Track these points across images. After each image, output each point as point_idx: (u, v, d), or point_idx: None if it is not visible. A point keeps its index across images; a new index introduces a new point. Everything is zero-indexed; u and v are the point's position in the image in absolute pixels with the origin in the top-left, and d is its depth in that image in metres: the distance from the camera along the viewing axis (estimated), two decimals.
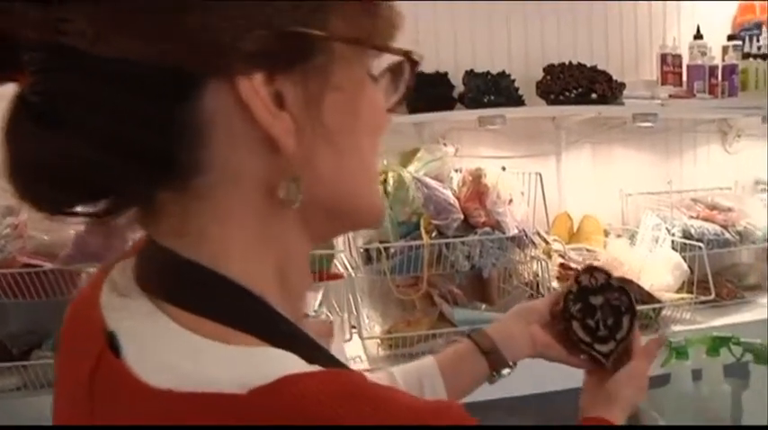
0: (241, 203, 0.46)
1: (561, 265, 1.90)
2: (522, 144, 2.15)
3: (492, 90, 1.94)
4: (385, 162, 1.80)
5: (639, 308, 1.62)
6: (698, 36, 2.21)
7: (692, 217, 2.10)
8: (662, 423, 1.42)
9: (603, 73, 2.00)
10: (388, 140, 1.86)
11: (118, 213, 0.46)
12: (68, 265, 1.49)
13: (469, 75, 1.98)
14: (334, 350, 0.55)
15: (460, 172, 1.85)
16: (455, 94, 2.00)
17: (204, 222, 0.45)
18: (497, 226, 1.73)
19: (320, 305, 1.72)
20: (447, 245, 1.69)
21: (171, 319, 0.43)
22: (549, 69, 2.03)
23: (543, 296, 1.57)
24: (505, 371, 0.92)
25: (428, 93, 1.94)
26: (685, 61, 2.19)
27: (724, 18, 2.33)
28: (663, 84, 2.16)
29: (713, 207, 2.15)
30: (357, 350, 1.70)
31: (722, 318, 1.89)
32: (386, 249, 1.67)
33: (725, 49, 2.23)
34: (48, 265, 1.50)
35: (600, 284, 0.97)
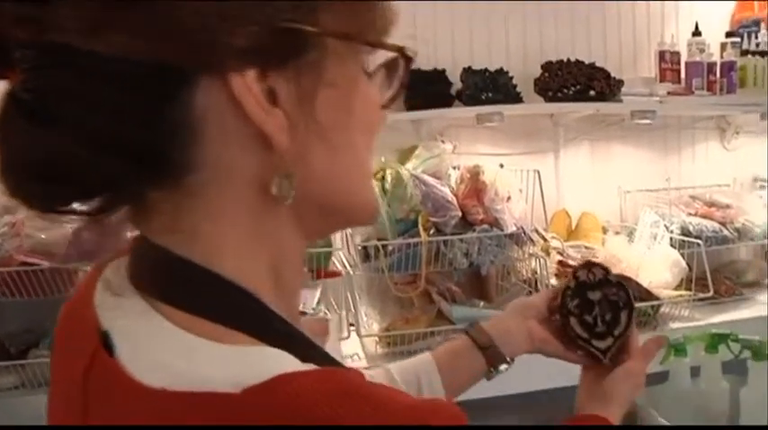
0: (234, 200, 0.45)
1: (559, 263, 1.90)
2: (521, 141, 2.15)
3: (490, 87, 1.94)
4: (383, 159, 1.80)
5: (638, 305, 1.62)
6: (696, 33, 2.21)
7: (690, 214, 2.10)
8: (660, 420, 1.42)
9: (602, 70, 1.99)
10: (385, 137, 1.85)
11: (110, 211, 0.46)
12: (66, 264, 1.49)
13: (467, 72, 1.98)
14: (329, 348, 0.55)
15: (458, 169, 1.85)
16: (453, 91, 2.00)
17: (197, 220, 0.45)
18: (495, 223, 1.73)
19: (318, 303, 1.72)
20: (445, 242, 1.69)
21: (164, 318, 0.43)
22: (547, 66, 2.02)
23: None
24: (503, 366, 0.91)
25: (426, 90, 1.94)
26: (684, 58, 2.19)
27: (722, 15, 2.33)
28: (661, 81, 2.16)
29: (711, 204, 2.15)
30: (355, 348, 1.69)
31: (720, 314, 1.90)
32: (384, 247, 1.67)
33: (723, 46, 2.23)
34: (45, 264, 1.49)
35: (598, 280, 0.96)
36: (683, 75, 2.18)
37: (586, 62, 2.00)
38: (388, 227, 1.69)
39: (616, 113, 2.12)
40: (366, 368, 0.92)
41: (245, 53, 0.42)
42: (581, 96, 1.96)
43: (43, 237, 1.49)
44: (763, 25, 2.27)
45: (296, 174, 0.45)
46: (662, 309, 1.84)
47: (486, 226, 1.72)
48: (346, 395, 0.39)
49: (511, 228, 1.74)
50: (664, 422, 1.41)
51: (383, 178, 1.76)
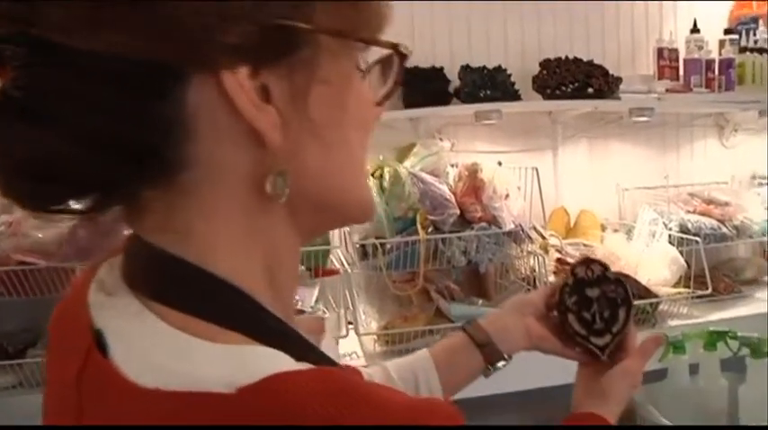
0: (227, 199, 0.45)
1: (558, 260, 1.90)
2: (519, 139, 2.15)
3: (488, 85, 1.94)
4: (381, 157, 1.80)
5: (636, 302, 1.63)
6: (695, 30, 2.21)
7: (688, 211, 2.10)
8: (659, 417, 1.42)
9: (600, 67, 1.99)
10: (383, 135, 1.85)
11: (103, 210, 0.46)
12: (64, 263, 1.48)
13: (465, 69, 1.98)
14: (324, 347, 0.55)
15: (457, 167, 1.85)
16: (451, 88, 2.00)
17: (190, 218, 0.45)
18: (494, 221, 1.72)
19: (317, 301, 1.72)
20: (443, 240, 1.68)
21: (158, 318, 0.43)
22: (545, 64, 2.02)
23: None
24: (501, 364, 0.91)
25: (424, 87, 1.94)
26: (682, 55, 2.19)
27: (721, 12, 2.33)
28: (659, 78, 2.16)
29: (710, 201, 2.15)
30: (353, 346, 1.69)
31: (719, 312, 1.89)
32: (382, 245, 1.67)
33: (722, 43, 2.22)
34: (43, 263, 1.49)
35: (596, 276, 0.96)
36: (681, 72, 2.18)
37: (584, 59, 2.00)
38: (387, 225, 1.69)
39: (614, 111, 2.12)
40: (364, 366, 0.91)
41: (238, 50, 0.41)
42: (579, 94, 1.96)
43: (40, 236, 1.49)
44: (761, 22, 2.26)
45: (290, 171, 0.45)
46: (660, 307, 1.84)
47: (484, 224, 1.71)
48: (340, 395, 0.39)
49: (509, 226, 1.73)
50: (662, 419, 1.41)
51: (381, 176, 1.75)
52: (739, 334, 1.50)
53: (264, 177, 0.44)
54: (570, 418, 0.86)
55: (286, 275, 0.50)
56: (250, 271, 0.47)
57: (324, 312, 1.71)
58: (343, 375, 0.41)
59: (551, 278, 1.81)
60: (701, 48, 2.18)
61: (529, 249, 1.84)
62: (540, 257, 1.80)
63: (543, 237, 1.94)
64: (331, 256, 1.78)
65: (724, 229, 2.03)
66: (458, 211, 1.70)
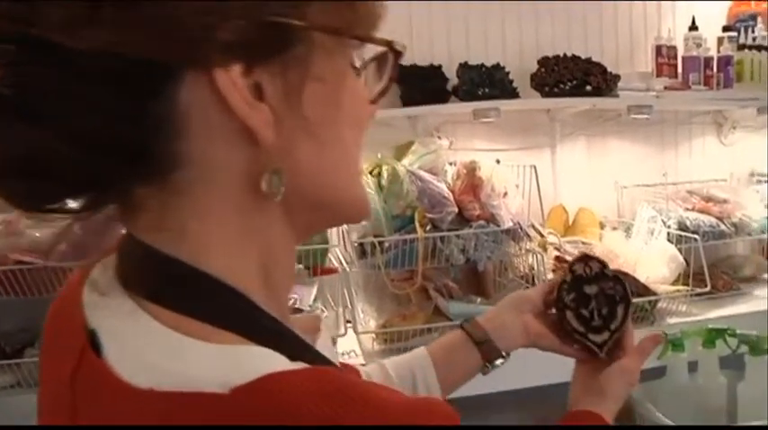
0: (221, 197, 0.45)
1: (557, 258, 1.89)
2: (517, 136, 2.15)
3: (486, 82, 1.94)
4: (379, 155, 1.80)
5: (635, 300, 1.62)
6: (693, 27, 2.21)
7: (687, 209, 2.09)
8: (658, 415, 1.42)
9: (598, 65, 1.99)
10: (382, 134, 1.84)
11: (97, 209, 0.45)
12: (62, 262, 1.48)
13: (464, 67, 1.97)
14: (320, 345, 0.54)
15: (455, 165, 1.84)
16: (449, 86, 2.00)
17: (184, 217, 0.45)
18: (492, 219, 1.72)
19: (315, 300, 1.72)
20: (442, 238, 1.68)
21: (152, 318, 0.42)
22: (543, 61, 2.02)
23: None
24: (498, 361, 0.91)
25: (422, 86, 1.93)
26: (680, 53, 2.18)
27: (719, 9, 2.33)
28: (658, 75, 2.16)
29: (709, 199, 2.15)
30: (352, 344, 1.69)
31: (718, 309, 1.89)
32: (380, 243, 1.67)
33: (720, 41, 2.22)
34: (40, 262, 1.49)
35: (594, 273, 0.96)
36: (679, 69, 2.17)
37: (583, 57, 2.00)
38: (385, 223, 1.68)
39: (613, 108, 2.11)
40: (363, 364, 0.91)
41: (231, 48, 0.41)
42: (577, 91, 1.96)
43: (38, 235, 1.48)
44: (759, 19, 2.26)
45: (284, 169, 0.45)
46: (659, 305, 1.84)
47: (482, 222, 1.71)
48: (336, 394, 0.38)
49: (507, 224, 1.73)
50: (661, 417, 1.41)
51: (379, 174, 1.75)
52: (738, 331, 1.50)
53: (259, 176, 0.44)
54: (567, 416, 0.86)
55: (281, 274, 0.50)
56: (245, 270, 0.46)
57: (322, 311, 1.71)
58: (338, 375, 0.41)
59: (550, 276, 1.81)
60: (699, 45, 2.17)
61: (527, 247, 1.84)
62: (538, 255, 1.79)
63: (542, 235, 1.94)
64: (329, 255, 1.78)
65: (723, 227, 2.03)
66: (456, 209, 1.70)
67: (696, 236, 1.91)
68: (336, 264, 1.76)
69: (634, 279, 1.77)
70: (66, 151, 0.41)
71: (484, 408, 1.43)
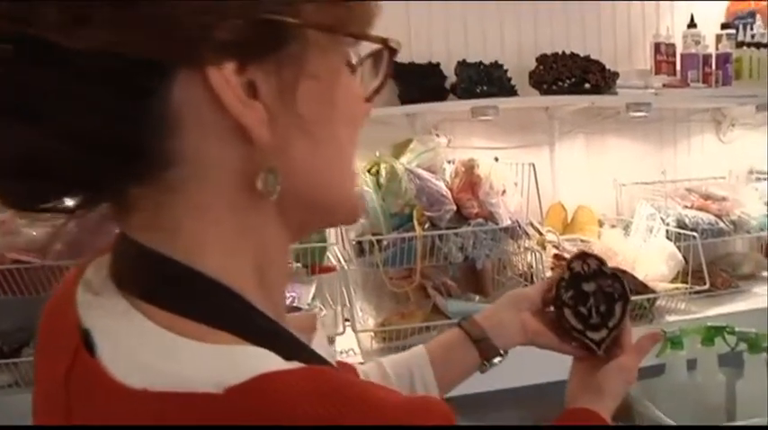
0: (215, 196, 0.45)
1: (555, 256, 1.89)
2: (515, 134, 2.14)
3: (484, 80, 1.93)
4: (377, 153, 1.80)
5: (634, 298, 1.62)
6: (691, 25, 2.20)
7: (686, 206, 2.09)
8: (657, 413, 1.42)
9: (597, 62, 1.98)
10: (380, 132, 1.83)
11: (91, 208, 0.45)
12: (59, 261, 1.48)
13: (462, 65, 1.97)
14: (316, 344, 0.54)
15: (453, 163, 1.84)
16: (447, 84, 1.99)
17: (178, 216, 0.44)
18: (490, 217, 1.72)
19: (313, 298, 1.72)
20: (440, 236, 1.68)
21: (145, 317, 0.42)
22: (541, 59, 2.01)
23: None
24: (496, 359, 0.90)
25: (420, 83, 1.93)
26: (679, 50, 2.18)
27: (718, 6, 2.32)
28: (656, 73, 2.15)
29: (707, 196, 2.14)
30: (351, 343, 1.69)
31: (717, 307, 1.89)
32: (378, 241, 1.66)
33: (718, 38, 2.22)
34: (38, 261, 1.48)
35: (592, 271, 0.96)
36: (678, 67, 2.17)
37: (581, 55, 1.99)
38: (383, 221, 1.68)
39: (611, 106, 2.11)
40: (361, 363, 0.91)
41: (225, 46, 0.41)
42: (576, 89, 1.95)
43: (35, 234, 1.48)
44: (758, 17, 2.26)
45: (279, 168, 0.44)
46: (658, 302, 1.84)
47: (481, 220, 1.71)
48: (332, 394, 0.38)
49: (506, 222, 1.73)
50: (660, 415, 1.41)
51: (377, 172, 1.75)
52: (737, 329, 1.50)
53: (253, 174, 0.44)
54: (565, 414, 0.86)
55: (276, 274, 0.49)
56: (239, 269, 0.46)
57: (321, 309, 1.70)
58: (335, 374, 0.41)
59: (548, 274, 1.80)
60: (698, 42, 2.17)
61: (526, 245, 1.84)
62: (537, 253, 1.79)
63: (540, 233, 1.94)
64: (328, 253, 1.78)
65: (721, 224, 2.03)
66: (454, 208, 1.70)
67: (695, 233, 1.90)
68: (335, 263, 1.76)
69: (633, 277, 1.76)
70: (59, 150, 0.40)
71: (482, 407, 1.43)
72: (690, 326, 1.54)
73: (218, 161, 0.44)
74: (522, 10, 2.13)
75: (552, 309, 0.94)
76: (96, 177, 0.43)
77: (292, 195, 0.47)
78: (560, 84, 1.96)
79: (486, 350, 0.90)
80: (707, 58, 2.16)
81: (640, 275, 1.83)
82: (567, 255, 1.87)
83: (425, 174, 1.71)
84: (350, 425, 0.37)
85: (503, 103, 1.90)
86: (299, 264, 1.71)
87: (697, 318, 1.77)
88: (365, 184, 1.71)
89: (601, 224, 2.13)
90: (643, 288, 1.78)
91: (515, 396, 1.54)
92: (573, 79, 1.94)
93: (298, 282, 1.68)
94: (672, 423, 1.38)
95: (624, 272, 1.70)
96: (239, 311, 0.45)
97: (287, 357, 0.41)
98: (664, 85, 2.10)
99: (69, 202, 0.45)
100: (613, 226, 2.12)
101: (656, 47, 2.16)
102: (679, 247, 1.90)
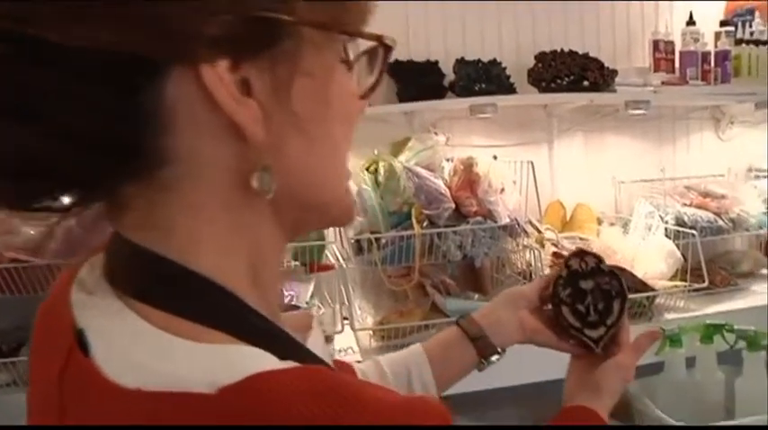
0: (209, 195, 0.44)
1: (554, 254, 1.89)
2: (514, 132, 2.14)
3: (483, 78, 1.93)
4: (376, 152, 1.79)
5: (633, 296, 1.62)
6: (690, 22, 2.20)
7: (685, 204, 2.09)
8: (655, 411, 1.42)
9: (595, 60, 1.98)
10: (378, 130, 1.83)
11: (84, 207, 0.45)
12: (56, 260, 1.47)
13: (460, 63, 1.97)
14: (312, 343, 0.54)
15: (452, 161, 1.84)
16: (446, 82, 1.99)
17: (172, 215, 0.44)
18: (489, 215, 1.72)
19: (312, 296, 1.72)
20: (439, 234, 1.68)
21: (139, 317, 0.42)
22: (540, 57, 2.01)
23: None
24: (494, 357, 0.90)
25: (419, 81, 1.93)
26: (678, 48, 2.17)
27: (716, 4, 2.32)
28: (655, 71, 2.15)
29: (706, 194, 2.14)
30: (349, 341, 1.69)
31: (715, 305, 1.89)
32: (377, 239, 1.66)
33: (717, 35, 2.21)
34: (36, 260, 1.48)
35: (590, 268, 0.96)
36: (677, 64, 2.17)
37: (580, 52, 1.99)
38: (381, 219, 1.68)
39: (610, 104, 2.11)
40: (358, 362, 0.91)
41: (218, 42, 0.40)
42: (575, 87, 1.95)
43: (32, 232, 1.48)
44: (757, 14, 2.25)
45: (273, 166, 0.44)
46: (657, 300, 1.84)
47: (479, 218, 1.71)
48: (327, 393, 0.38)
49: (505, 220, 1.73)
50: (659, 413, 1.41)
51: (376, 171, 1.75)
52: (736, 327, 1.50)
53: (248, 173, 0.44)
54: (562, 412, 0.86)
55: (270, 273, 0.49)
56: (234, 268, 0.46)
57: (319, 308, 1.70)
58: (330, 373, 0.41)
59: (547, 272, 1.80)
60: (696, 40, 2.17)
61: (525, 243, 1.84)
62: (535, 251, 1.79)
63: (539, 231, 1.94)
64: (326, 251, 1.77)
65: (720, 222, 2.03)
66: (453, 206, 1.70)
67: (694, 231, 1.90)
68: (333, 261, 1.75)
69: (631, 274, 1.76)
70: (52, 148, 0.40)
71: (480, 405, 1.43)
72: (689, 324, 1.54)
73: (212, 159, 0.43)
74: (521, 8, 2.13)
75: (550, 306, 0.94)
76: (89, 175, 0.42)
77: (287, 194, 0.46)
78: (559, 81, 1.95)
79: (483, 348, 0.90)
80: (706, 55, 2.15)
81: (639, 273, 1.83)
82: (565, 253, 1.87)
83: (424, 173, 1.71)
84: (345, 424, 0.37)
85: (501, 100, 1.90)
86: (297, 263, 1.71)
87: (696, 316, 1.77)
88: (363, 182, 1.71)
89: (600, 222, 2.13)
90: (642, 286, 1.78)
91: (513, 394, 1.54)
92: (571, 77, 1.94)
93: (296, 281, 1.68)
94: (671, 421, 1.38)
95: (623, 269, 1.71)
96: (233, 311, 0.45)
97: (282, 357, 0.41)
98: (662, 83, 2.09)
99: (63, 201, 0.45)
100: (612, 224, 2.12)
101: (655, 44, 2.16)
102: (678, 245, 1.90)
